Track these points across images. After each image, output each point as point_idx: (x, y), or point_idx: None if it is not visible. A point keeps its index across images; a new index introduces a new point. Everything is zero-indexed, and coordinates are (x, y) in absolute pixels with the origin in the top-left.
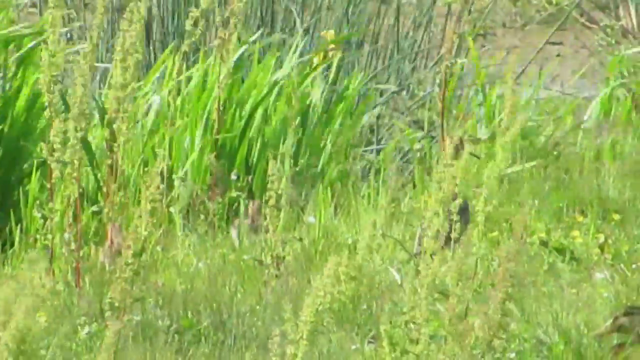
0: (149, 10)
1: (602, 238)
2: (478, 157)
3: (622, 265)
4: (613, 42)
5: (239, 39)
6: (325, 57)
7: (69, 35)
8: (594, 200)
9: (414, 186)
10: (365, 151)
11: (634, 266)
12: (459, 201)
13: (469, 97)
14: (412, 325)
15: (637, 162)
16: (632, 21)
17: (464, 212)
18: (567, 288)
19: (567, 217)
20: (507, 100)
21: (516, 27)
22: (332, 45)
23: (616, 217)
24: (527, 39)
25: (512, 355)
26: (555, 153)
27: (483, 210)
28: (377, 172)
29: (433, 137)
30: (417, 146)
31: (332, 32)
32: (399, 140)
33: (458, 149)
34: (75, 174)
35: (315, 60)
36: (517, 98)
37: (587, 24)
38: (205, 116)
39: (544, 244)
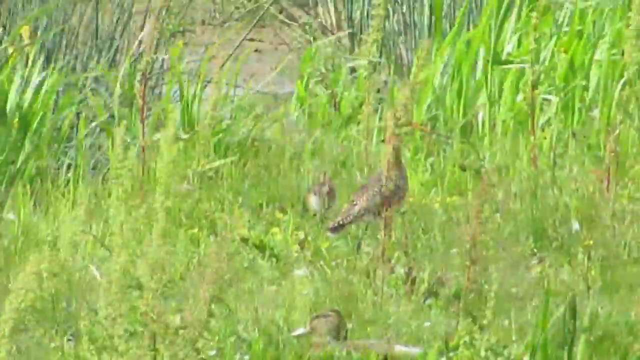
0: None
1: (301, 235)
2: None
3: (321, 262)
4: (312, 39)
5: None
6: (20, 52)
7: None
8: (293, 197)
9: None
10: (67, 147)
11: (333, 263)
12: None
13: (170, 93)
14: (109, 321)
15: (335, 159)
16: (331, 18)
17: None
18: (267, 285)
19: (267, 214)
20: (211, 96)
21: (215, 24)
22: (27, 41)
23: (315, 214)
24: (227, 36)
25: (213, 353)
26: (254, 149)
27: (172, 206)
28: (77, 168)
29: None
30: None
31: (27, 28)
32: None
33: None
34: None
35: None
36: (218, 95)
37: (287, 20)
38: None
39: (244, 240)
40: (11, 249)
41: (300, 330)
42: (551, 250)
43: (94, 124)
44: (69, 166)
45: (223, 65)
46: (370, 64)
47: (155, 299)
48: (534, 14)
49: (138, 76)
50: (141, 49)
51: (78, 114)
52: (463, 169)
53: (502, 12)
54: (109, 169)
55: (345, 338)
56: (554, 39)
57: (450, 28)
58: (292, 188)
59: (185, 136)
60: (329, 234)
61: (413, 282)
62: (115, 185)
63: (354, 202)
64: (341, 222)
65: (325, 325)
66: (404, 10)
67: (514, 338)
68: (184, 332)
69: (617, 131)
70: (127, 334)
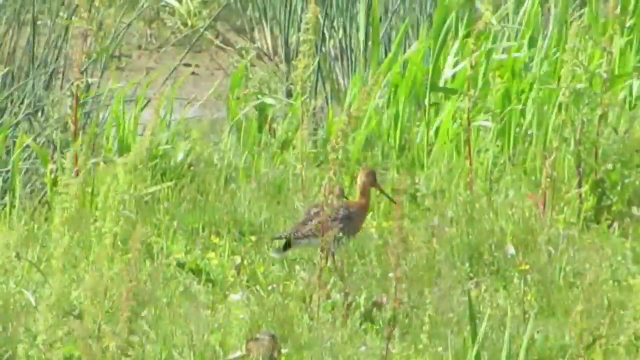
0: None
1: (238, 259)
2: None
3: (257, 286)
4: (247, 63)
5: None
6: None
7: None
8: (229, 221)
9: (49, 207)
10: (1, 172)
11: (269, 287)
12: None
13: (104, 118)
14: (46, 346)
15: (271, 183)
16: (267, 43)
17: None
18: (203, 309)
19: (202, 238)
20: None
21: (152, 48)
22: None
23: (252, 238)
24: (163, 61)
25: None
26: (190, 174)
27: (111, 230)
28: (12, 193)
29: None
30: (51, 166)
31: None
32: (33, 162)
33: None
34: None
35: None
36: (156, 119)
37: (223, 45)
38: None
39: (180, 265)
40: None
41: (235, 354)
42: (487, 275)
43: (29, 148)
44: (4, 191)
45: (160, 89)
46: (304, 88)
47: (94, 324)
48: (470, 39)
49: (70, 101)
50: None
51: (14, 140)
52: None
53: (440, 37)
54: (45, 193)
55: None
56: (490, 65)
57: (387, 53)
58: (228, 212)
59: (120, 160)
60: (273, 255)
61: (349, 306)
62: (59, 210)
63: (304, 223)
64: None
65: (260, 348)
66: (340, 36)
67: None
68: (119, 357)
69: (553, 156)
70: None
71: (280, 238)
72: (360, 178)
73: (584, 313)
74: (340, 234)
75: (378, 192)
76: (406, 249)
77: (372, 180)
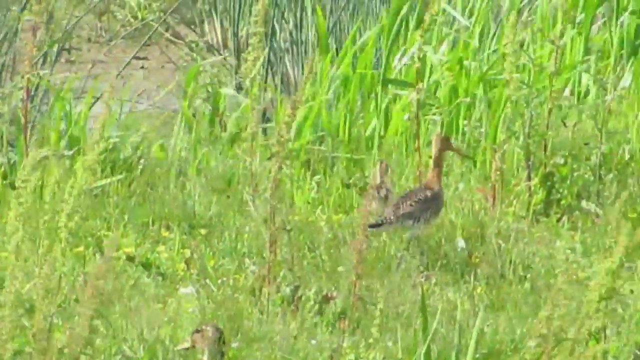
0: None
1: (188, 253)
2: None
3: (207, 280)
4: (198, 57)
5: None
6: None
7: None
8: (179, 215)
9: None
10: None
11: (219, 281)
12: None
13: (54, 111)
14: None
15: (221, 177)
16: (217, 37)
17: None
18: (153, 303)
19: (153, 232)
20: (97, 114)
21: (102, 42)
22: None
23: (202, 232)
24: (113, 54)
25: None
26: (140, 167)
27: (67, 225)
28: None
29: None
30: (0, 160)
31: None
32: None
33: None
34: None
35: None
36: (106, 113)
37: (173, 39)
38: None
39: (130, 259)
40: None
41: (182, 345)
42: (437, 268)
43: None
44: None
45: (111, 83)
46: (254, 82)
47: (46, 319)
48: (419, 33)
49: (20, 94)
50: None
51: None
52: (348, 186)
53: (393, 31)
54: None
55: (222, 354)
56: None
57: (338, 46)
58: (178, 206)
59: (69, 153)
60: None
61: (299, 300)
62: (14, 205)
63: (398, 206)
64: (382, 222)
65: (205, 339)
66: (291, 28)
67: (400, 356)
68: (69, 351)
69: (503, 149)
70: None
71: (378, 225)
72: (435, 145)
73: (549, 316)
74: (429, 215)
75: (452, 153)
76: (367, 245)
77: (448, 144)
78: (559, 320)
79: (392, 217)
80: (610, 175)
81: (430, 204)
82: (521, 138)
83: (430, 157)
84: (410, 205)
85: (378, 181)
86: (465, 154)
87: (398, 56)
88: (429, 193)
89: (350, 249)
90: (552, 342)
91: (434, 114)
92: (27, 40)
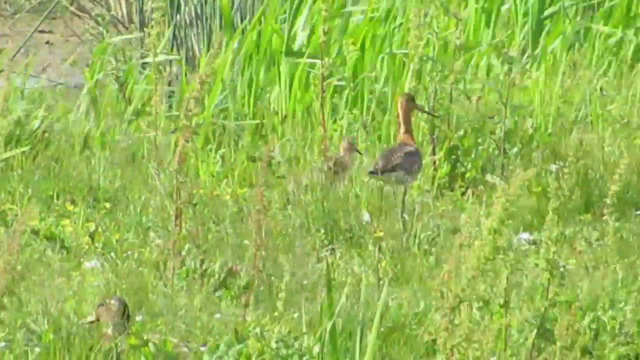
0: None
1: (92, 227)
2: None
3: (112, 253)
4: (104, 31)
5: None
6: None
7: None
8: (84, 188)
9: None
10: None
11: (124, 255)
12: None
13: None
14: None
15: (126, 151)
16: (122, 11)
17: None
18: (57, 277)
19: (57, 206)
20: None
21: (6, 15)
22: None
23: (107, 205)
24: (17, 28)
25: (2, 345)
26: (45, 141)
27: None
28: None
29: None
30: None
31: None
32: None
33: None
34: None
35: None
36: (9, 86)
37: (78, 12)
38: None
39: (34, 232)
40: None
41: (87, 319)
42: (342, 242)
43: None
44: None
45: (14, 56)
46: (157, 56)
47: None
48: (324, 6)
49: None
50: None
51: None
52: (253, 160)
53: (295, 4)
54: None
55: (125, 327)
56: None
57: (242, 20)
58: (83, 180)
59: None
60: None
61: (204, 273)
62: None
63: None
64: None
65: (109, 312)
66: (195, 3)
67: (304, 329)
68: None
69: None
70: None
71: (374, 173)
72: (401, 105)
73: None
74: (417, 167)
75: (420, 112)
76: (267, 217)
77: (413, 104)
78: (454, 285)
79: (388, 166)
80: (515, 149)
81: (415, 157)
82: (425, 110)
83: (336, 130)
84: (400, 157)
85: (340, 156)
86: (430, 113)
87: (301, 27)
88: (412, 149)
89: (251, 221)
90: (452, 304)
91: (340, 87)
92: None
